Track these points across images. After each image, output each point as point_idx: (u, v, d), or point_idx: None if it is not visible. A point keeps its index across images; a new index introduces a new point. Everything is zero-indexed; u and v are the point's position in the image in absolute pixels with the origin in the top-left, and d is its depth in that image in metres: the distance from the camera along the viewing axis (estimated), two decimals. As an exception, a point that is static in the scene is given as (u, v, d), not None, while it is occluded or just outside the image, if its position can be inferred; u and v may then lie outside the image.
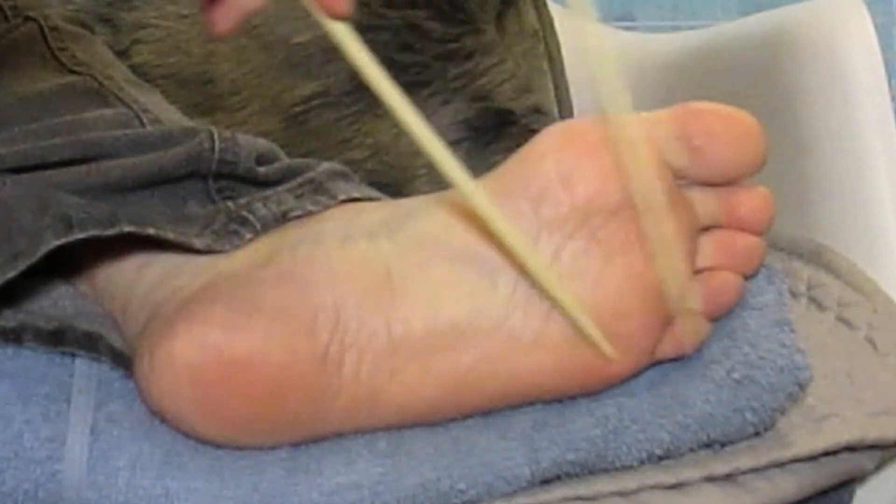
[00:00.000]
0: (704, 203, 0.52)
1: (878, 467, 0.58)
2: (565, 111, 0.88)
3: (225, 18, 0.47)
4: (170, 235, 0.51)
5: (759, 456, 0.52)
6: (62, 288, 0.56)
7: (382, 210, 0.53)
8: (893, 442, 0.55)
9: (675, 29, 0.99)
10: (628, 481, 0.51)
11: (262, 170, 0.57)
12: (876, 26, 0.72)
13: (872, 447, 0.55)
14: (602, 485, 0.51)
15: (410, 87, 0.81)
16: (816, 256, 0.67)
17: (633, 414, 0.52)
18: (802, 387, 0.53)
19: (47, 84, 0.62)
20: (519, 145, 0.52)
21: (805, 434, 0.53)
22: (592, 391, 0.51)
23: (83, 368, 0.51)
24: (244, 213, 0.53)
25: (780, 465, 0.53)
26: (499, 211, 0.48)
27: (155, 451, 0.49)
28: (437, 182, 0.50)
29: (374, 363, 0.49)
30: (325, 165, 0.57)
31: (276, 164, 0.57)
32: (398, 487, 0.50)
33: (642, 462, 0.52)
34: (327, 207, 0.54)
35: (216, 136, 0.56)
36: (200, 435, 0.50)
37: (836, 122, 0.72)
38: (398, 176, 0.80)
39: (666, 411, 0.52)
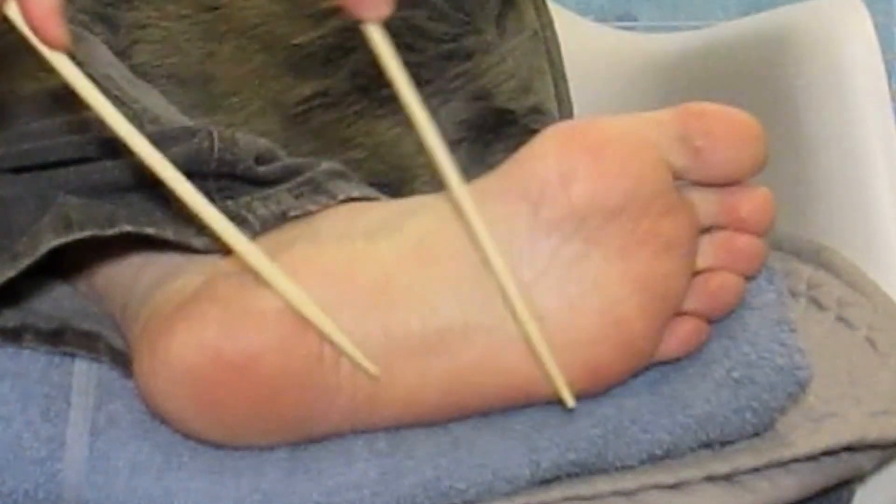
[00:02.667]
0: (705, 204, 0.52)
1: (878, 467, 0.58)
2: (565, 111, 0.88)
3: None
4: (169, 235, 0.51)
5: (759, 456, 0.52)
6: (62, 288, 0.56)
7: (381, 210, 0.53)
8: (893, 442, 0.55)
9: (675, 29, 0.99)
10: (628, 481, 0.51)
11: (261, 169, 0.57)
12: (876, 26, 0.72)
13: (872, 447, 0.55)
14: (602, 485, 0.51)
15: (410, 87, 0.82)
16: (816, 256, 0.67)
17: (633, 414, 0.52)
18: (802, 386, 0.53)
19: (47, 84, 0.62)
20: (519, 145, 0.52)
21: (805, 434, 0.53)
22: (592, 391, 0.51)
23: (83, 368, 0.51)
24: (243, 212, 0.53)
25: (781, 464, 0.53)
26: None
27: (155, 451, 0.50)
28: (437, 182, 0.50)
29: (372, 363, 0.49)
30: (325, 165, 0.57)
31: (276, 164, 0.57)
32: (398, 487, 0.50)
33: (642, 462, 0.52)
34: (327, 207, 0.54)
35: (215, 135, 0.56)
36: (199, 435, 0.50)
37: (836, 122, 0.72)
38: (398, 176, 0.80)
39: (666, 411, 0.52)
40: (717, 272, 0.52)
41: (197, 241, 0.52)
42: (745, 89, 0.79)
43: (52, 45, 0.46)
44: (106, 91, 0.62)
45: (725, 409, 0.52)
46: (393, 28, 0.82)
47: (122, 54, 0.76)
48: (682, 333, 0.52)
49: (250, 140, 0.58)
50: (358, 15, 0.48)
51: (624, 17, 1.33)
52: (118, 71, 0.67)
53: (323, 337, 0.48)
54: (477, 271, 0.50)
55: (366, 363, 0.49)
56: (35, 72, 0.64)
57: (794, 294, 0.64)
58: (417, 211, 0.52)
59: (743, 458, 0.52)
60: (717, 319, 0.53)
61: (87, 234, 0.50)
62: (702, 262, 0.52)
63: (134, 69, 0.73)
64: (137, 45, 0.80)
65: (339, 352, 0.49)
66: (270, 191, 0.55)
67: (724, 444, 0.53)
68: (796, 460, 0.53)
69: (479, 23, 0.84)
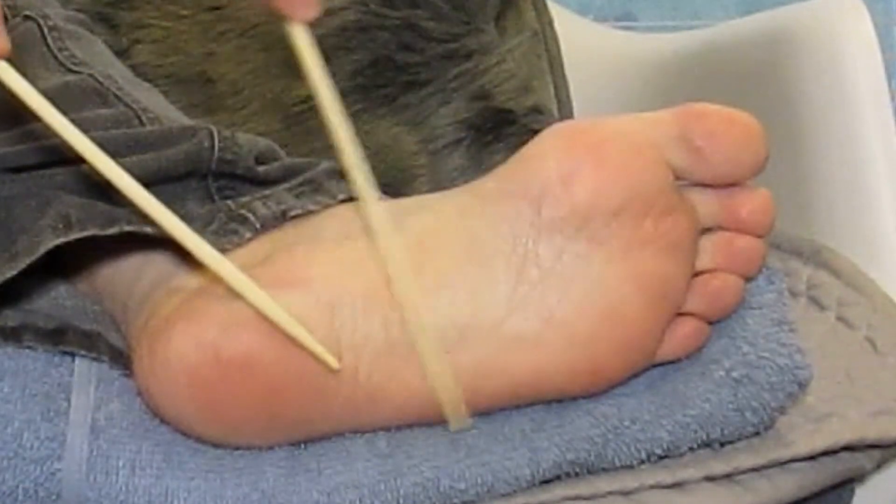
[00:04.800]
0: (705, 204, 0.52)
1: (878, 467, 0.58)
2: (565, 111, 0.88)
3: None
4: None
5: (758, 455, 0.52)
6: (62, 287, 0.56)
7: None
8: (893, 442, 0.55)
9: (675, 29, 0.99)
10: (628, 481, 0.51)
11: (261, 169, 0.57)
12: (876, 26, 0.72)
13: (872, 447, 0.55)
14: (602, 484, 0.51)
15: (410, 87, 0.82)
16: (816, 256, 0.67)
17: (633, 414, 0.52)
18: (802, 386, 0.53)
19: (46, 84, 0.62)
20: (519, 145, 0.52)
21: (805, 434, 0.53)
22: (593, 392, 0.51)
23: (83, 368, 0.51)
24: (244, 212, 0.53)
25: (780, 464, 0.53)
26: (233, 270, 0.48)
27: (155, 451, 0.50)
28: (437, 182, 0.50)
29: (371, 363, 0.49)
30: (325, 165, 0.57)
31: (276, 164, 0.57)
32: (398, 487, 0.50)
33: (642, 461, 0.52)
34: (327, 207, 0.54)
35: (216, 135, 0.56)
36: (199, 434, 0.50)
37: (836, 122, 0.72)
38: (398, 176, 0.80)
39: (666, 411, 0.52)
40: (717, 273, 0.52)
41: (197, 241, 0.52)
42: (745, 89, 0.79)
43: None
44: (106, 90, 0.62)
45: (725, 409, 0.52)
46: (393, 28, 0.83)
47: (122, 54, 0.76)
48: (683, 334, 0.52)
49: (250, 140, 0.58)
50: (287, 14, 0.48)
51: (624, 17, 1.33)
52: (118, 71, 0.67)
53: (296, 343, 0.48)
54: (476, 271, 0.50)
55: (329, 358, 0.49)
56: (34, 71, 0.64)
57: (794, 294, 0.64)
58: (417, 211, 0.52)
59: (743, 458, 0.52)
60: (718, 320, 0.53)
61: (87, 233, 0.50)
62: (702, 262, 0.52)
63: (134, 69, 0.73)
64: (137, 45, 0.80)
65: (337, 351, 0.49)
66: (271, 190, 0.55)
67: (723, 443, 0.53)
68: (796, 460, 0.53)
69: (479, 23, 0.84)
